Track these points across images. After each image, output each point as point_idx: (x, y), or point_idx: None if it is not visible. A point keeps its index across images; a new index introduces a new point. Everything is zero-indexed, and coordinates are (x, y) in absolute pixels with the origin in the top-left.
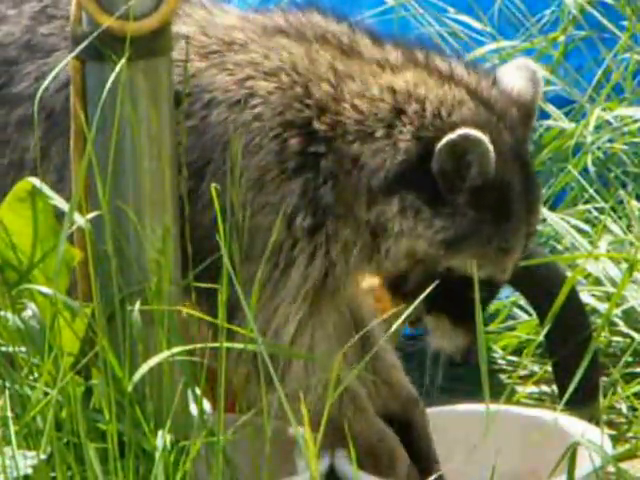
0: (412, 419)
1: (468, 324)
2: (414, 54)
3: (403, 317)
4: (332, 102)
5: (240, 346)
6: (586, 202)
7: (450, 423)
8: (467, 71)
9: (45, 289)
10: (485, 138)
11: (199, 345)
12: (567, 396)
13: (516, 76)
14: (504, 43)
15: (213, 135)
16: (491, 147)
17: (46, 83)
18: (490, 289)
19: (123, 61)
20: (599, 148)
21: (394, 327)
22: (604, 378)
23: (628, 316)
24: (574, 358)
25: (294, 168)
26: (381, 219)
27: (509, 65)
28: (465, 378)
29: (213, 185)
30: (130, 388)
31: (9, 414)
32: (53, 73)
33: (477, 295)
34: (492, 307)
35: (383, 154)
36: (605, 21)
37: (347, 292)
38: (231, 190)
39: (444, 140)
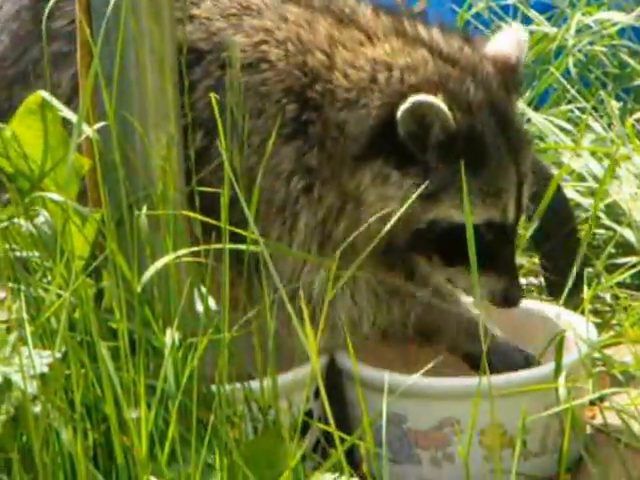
0: None
1: (493, 270)
2: (402, 24)
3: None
4: (325, 70)
5: (242, 247)
6: (568, 102)
7: None
8: (444, 36)
9: (56, 196)
10: (435, 100)
11: (203, 247)
12: (554, 287)
13: (502, 41)
14: None
15: (225, 96)
16: (443, 106)
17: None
18: (499, 232)
19: None
20: (580, 51)
21: None
22: (589, 269)
23: (610, 210)
24: (560, 251)
25: (288, 134)
26: (358, 190)
27: (500, 33)
28: None
29: None
30: (139, 289)
31: (24, 316)
32: None
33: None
34: None
35: (362, 122)
36: None
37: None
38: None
39: (401, 109)
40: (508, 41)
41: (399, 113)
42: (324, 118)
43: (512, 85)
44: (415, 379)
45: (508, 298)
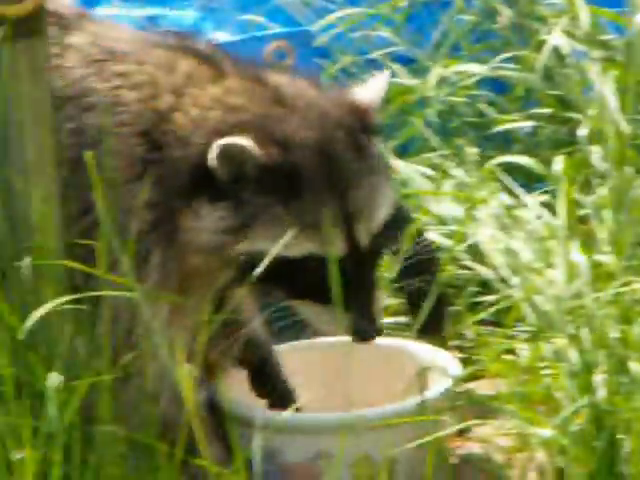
0: (266, 360)
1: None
2: (247, 67)
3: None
4: (170, 112)
5: (119, 294)
6: (431, 150)
7: (311, 355)
8: (289, 79)
9: None
10: (243, 141)
11: (82, 295)
12: (419, 325)
13: (363, 88)
14: (351, 10)
15: (88, 136)
16: (251, 145)
17: None
18: (323, 265)
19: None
20: (442, 101)
21: None
22: (452, 308)
23: (472, 251)
24: (424, 291)
25: (138, 173)
26: (180, 224)
27: (366, 82)
28: None
29: None
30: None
31: None
32: None
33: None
34: None
35: (189, 160)
36: None
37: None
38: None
39: (212, 151)
40: (367, 87)
41: (210, 155)
42: (164, 157)
43: (364, 126)
44: (287, 415)
45: (357, 333)
